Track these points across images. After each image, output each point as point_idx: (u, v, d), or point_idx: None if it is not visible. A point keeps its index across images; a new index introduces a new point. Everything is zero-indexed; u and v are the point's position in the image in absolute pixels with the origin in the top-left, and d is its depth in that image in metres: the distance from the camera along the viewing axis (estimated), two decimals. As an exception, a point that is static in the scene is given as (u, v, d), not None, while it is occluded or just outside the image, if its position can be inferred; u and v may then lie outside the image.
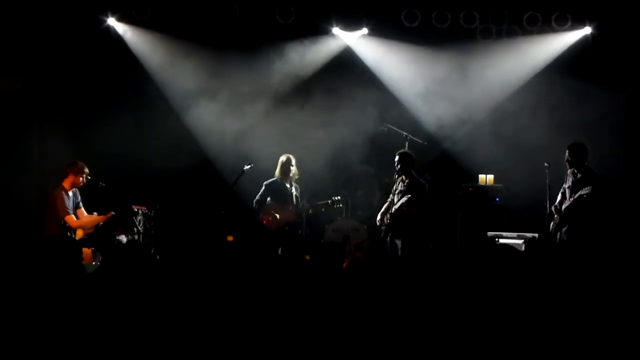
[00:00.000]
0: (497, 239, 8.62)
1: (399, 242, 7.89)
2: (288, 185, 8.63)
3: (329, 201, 8.85)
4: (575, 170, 7.53)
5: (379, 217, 8.14)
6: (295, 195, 8.67)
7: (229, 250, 9.10)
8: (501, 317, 3.74)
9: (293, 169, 8.60)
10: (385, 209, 8.11)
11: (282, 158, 8.62)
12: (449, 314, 3.83)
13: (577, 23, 9.34)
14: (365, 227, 8.93)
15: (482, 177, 9.35)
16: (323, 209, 9.00)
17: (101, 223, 8.02)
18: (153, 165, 9.96)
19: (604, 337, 3.69)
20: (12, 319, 3.84)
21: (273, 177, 8.72)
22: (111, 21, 9.69)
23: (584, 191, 7.26)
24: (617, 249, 7.80)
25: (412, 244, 7.81)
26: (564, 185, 7.72)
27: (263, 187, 8.65)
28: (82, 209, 8.11)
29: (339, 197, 8.84)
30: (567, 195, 7.58)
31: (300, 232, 8.78)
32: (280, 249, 8.38)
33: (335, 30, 9.86)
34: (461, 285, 4.06)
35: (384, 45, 9.93)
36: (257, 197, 8.67)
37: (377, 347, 3.73)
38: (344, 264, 4.85)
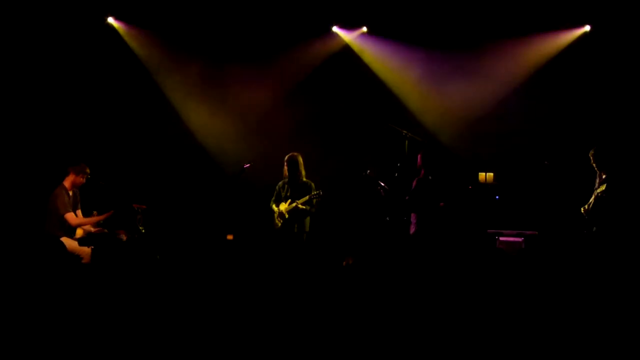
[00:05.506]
0: (496, 237, 8.64)
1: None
2: (293, 185, 8.44)
3: (308, 197, 8.49)
4: (602, 173, 7.45)
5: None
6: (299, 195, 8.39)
7: (228, 248, 9.09)
8: (503, 313, 3.74)
9: (297, 168, 8.41)
10: None
11: (285, 158, 8.53)
12: (448, 310, 3.84)
13: (576, 22, 9.34)
14: None
15: (481, 174, 9.37)
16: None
17: (100, 222, 8.07)
18: (153, 164, 9.98)
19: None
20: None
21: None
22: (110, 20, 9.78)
23: (600, 189, 7.19)
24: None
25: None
26: (594, 188, 7.63)
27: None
28: (80, 211, 8.14)
29: (318, 192, 8.39)
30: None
31: (298, 229, 8.56)
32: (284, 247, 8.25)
33: (335, 29, 9.92)
34: (460, 282, 4.07)
35: (384, 44, 9.95)
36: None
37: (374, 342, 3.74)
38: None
